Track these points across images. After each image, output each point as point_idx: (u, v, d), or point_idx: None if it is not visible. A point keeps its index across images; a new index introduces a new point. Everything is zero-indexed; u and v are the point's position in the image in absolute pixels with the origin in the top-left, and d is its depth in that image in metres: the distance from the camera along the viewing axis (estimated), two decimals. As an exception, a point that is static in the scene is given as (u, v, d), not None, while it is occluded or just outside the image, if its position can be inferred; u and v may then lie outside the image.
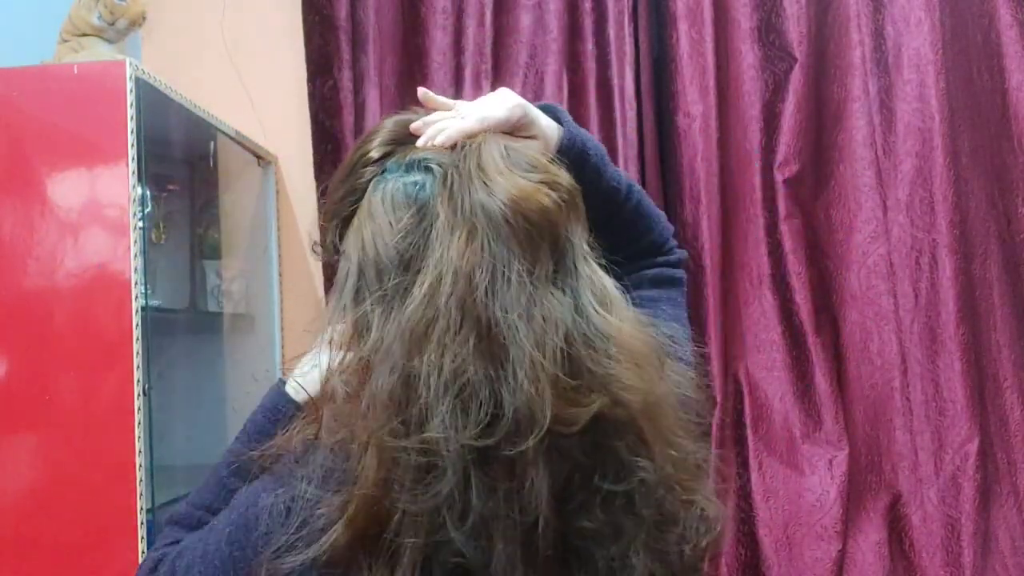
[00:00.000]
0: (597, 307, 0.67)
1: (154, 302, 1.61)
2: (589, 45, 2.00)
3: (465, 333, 0.61)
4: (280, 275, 2.17)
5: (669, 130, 1.99)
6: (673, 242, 0.98)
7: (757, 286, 1.96)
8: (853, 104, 1.92)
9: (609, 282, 0.69)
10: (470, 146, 0.69)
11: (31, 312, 1.49)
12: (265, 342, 2.14)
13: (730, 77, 1.97)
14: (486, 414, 0.60)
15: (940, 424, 1.89)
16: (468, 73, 2.01)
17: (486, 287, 0.62)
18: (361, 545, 0.61)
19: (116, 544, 1.44)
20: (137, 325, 1.46)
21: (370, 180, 0.72)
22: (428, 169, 0.70)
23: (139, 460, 1.43)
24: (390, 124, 0.77)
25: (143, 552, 1.45)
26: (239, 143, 2.02)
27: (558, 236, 0.66)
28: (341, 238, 0.74)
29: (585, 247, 0.69)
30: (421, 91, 0.82)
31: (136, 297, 1.47)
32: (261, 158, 2.13)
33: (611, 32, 1.98)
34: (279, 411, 0.76)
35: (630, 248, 0.84)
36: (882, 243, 1.91)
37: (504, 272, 0.63)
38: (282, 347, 2.15)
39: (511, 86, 2.01)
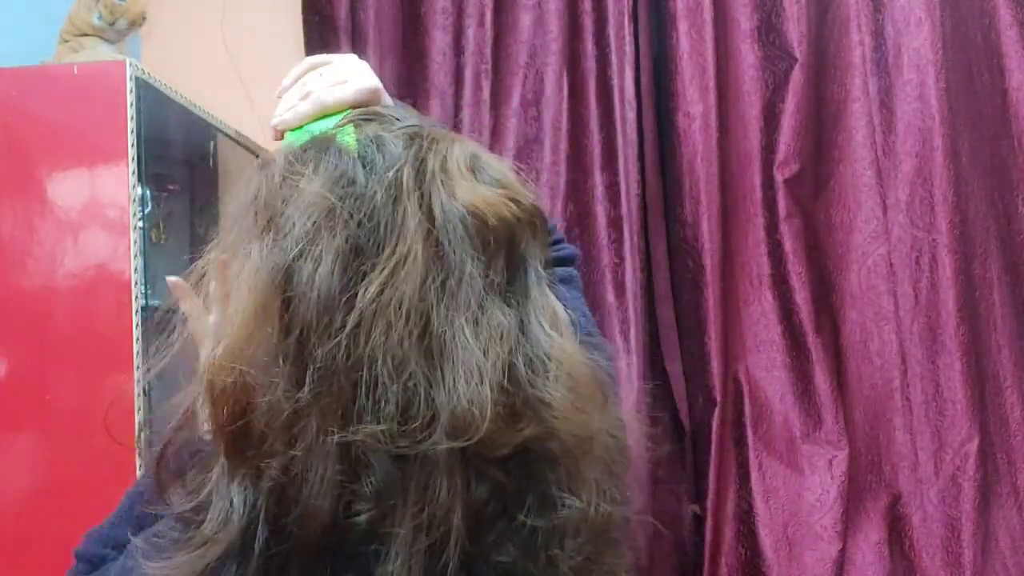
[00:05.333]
0: (546, 328, 0.63)
1: (154, 302, 1.61)
2: (589, 45, 2.00)
3: (411, 328, 0.58)
4: (280, 275, 2.16)
5: (669, 130, 1.98)
6: (559, 234, 0.94)
7: (757, 286, 1.96)
8: (853, 104, 1.92)
9: (560, 308, 0.66)
10: (437, 144, 0.66)
11: (31, 312, 1.49)
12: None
13: (730, 77, 1.97)
14: (418, 413, 0.57)
15: (940, 424, 1.89)
16: (468, 73, 2.01)
17: (437, 286, 0.59)
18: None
19: (116, 544, 1.44)
20: (137, 325, 1.46)
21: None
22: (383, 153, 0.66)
23: (139, 460, 1.43)
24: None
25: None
26: (239, 143, 2.02)
27: (514, 250, 0.64)
28: None
29: (540, 270, 0.66)
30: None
31: (136, 297, 1.47)
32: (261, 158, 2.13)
33: (611, 32, 1.97)
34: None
35: None
36: (882, 243, 1.91)
37: (457, 274, 0.60)
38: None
39: (511, 86, 2.04)
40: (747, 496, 1.90)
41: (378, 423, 0.57)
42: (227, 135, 1.97)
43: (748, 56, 1.96)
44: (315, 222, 0.60)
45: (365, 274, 0.59)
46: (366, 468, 0.57)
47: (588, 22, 2.00)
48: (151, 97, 1.57)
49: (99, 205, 1.50)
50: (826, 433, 1.92)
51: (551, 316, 0.65)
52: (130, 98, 1.49)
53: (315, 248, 0.59)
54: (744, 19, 1.95)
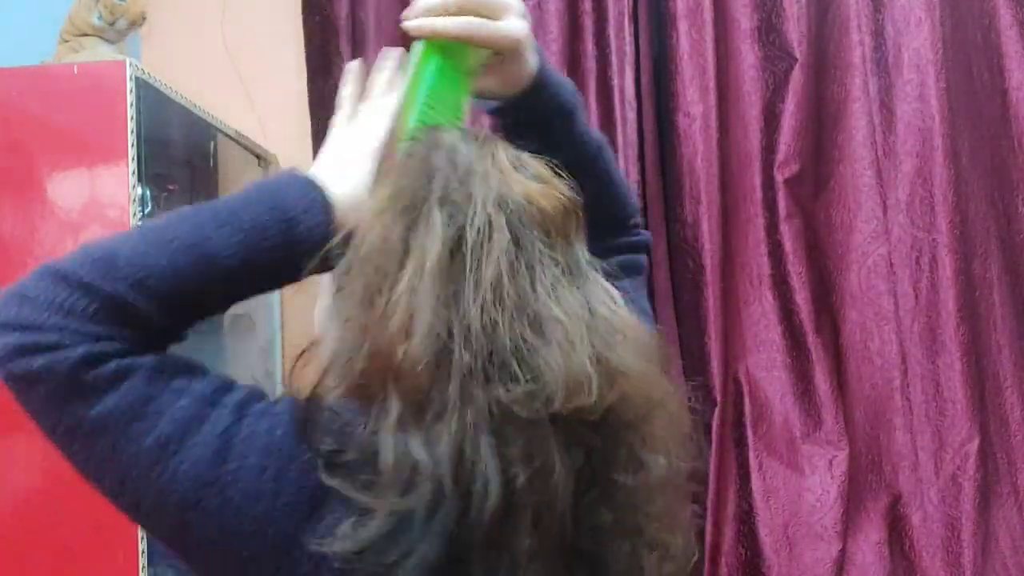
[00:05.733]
0: (608, 304, 0.69)
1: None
2: (589, 45, 2.00)
3: (516, 304, 0.63)
4: (280, 275, 2.16)
5: (669, 130, 1.98)
6: (638, 219, 0.98)
7: (757, 286, 1.96)
8: (853, 104, 1.92)
9: (612, 288, 0.72)
10: (487, 143, 0.71)
11: (31, 312, 1.49)
12: (265, 342, 2.14)
13: (730, 77, 1.97)
14: (538, 380, 0.61)
15: (940, 424, 1.89)
16: (468, 73, 2.01)
17: (524, 269, 0.65)
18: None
19: (116, 544, 1.44)
20: (137, 325, 1.46)
21: None
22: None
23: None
24: None
25: (143, 552, 1.44)
26: (239, 143, 2.03)
27: (568, 236, 0.69)
28: None
29: (589, 256, 0.71)
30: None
31: (136, 297, 1.46)
32: (261, 158, 2.13)
33: (611, 32, 1.97)
34: (294, 218, 0.69)
35: (591, 217, 0.78)
36: (882, 243, 1.91)
37: (534, 257, 0.66)
38: (282, 347, 2.15)
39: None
40: (747, 496, 1.90)
41: (515, 388, 0.61)
42: (227, 135, 1.97)
43: (748, 56, 1.96)
44: (477, 202, 0.66)
45: (488, 253, 0.64)
46: (515, 433, 0.61)
47: (588, 23, 2.00)
48: (151, 97, 1.57)
49: (99, 205, 1.50)
50: (826, 433, 1.92)
51: (608, 294, 0.70)
52: (130, 98, 1.49)
53: (481, 224, 0.65)
54: (744, 19, 1.95)
